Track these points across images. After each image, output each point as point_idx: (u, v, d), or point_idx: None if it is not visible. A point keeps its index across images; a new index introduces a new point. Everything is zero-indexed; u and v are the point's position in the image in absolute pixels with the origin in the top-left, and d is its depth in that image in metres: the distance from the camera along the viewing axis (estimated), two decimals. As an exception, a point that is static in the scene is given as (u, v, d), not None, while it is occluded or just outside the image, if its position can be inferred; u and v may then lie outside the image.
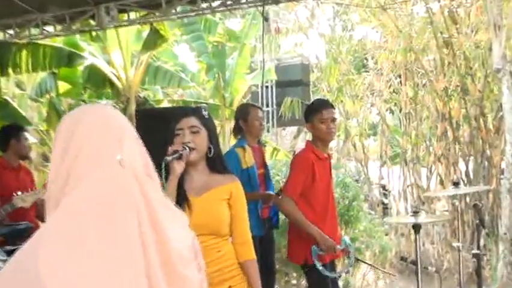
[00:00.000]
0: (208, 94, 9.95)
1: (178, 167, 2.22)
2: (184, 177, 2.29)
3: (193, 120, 2.31)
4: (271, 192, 4.17)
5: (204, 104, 8.85)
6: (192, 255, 1.05)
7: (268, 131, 9.17)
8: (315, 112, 3.50)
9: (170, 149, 2.23)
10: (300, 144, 11.63)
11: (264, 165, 4.30)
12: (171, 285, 0.96)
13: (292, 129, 12.78)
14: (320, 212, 3.47)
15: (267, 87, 8.82)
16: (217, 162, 2.35)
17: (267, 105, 8.87)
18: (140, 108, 7.99)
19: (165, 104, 9.48)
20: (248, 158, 4.08)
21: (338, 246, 3.44)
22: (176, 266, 0.98)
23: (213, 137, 2.33)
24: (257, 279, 2.34)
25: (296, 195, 3.41)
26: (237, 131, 4.26)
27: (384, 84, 8.25)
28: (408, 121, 7.87)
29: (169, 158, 2.17)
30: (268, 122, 8.90)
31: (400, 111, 8.28)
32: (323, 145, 3.54)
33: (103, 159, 0.99)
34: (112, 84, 8.40)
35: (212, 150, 2.31)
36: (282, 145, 11.15)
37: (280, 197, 3.53)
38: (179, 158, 2.21)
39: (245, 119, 4.22)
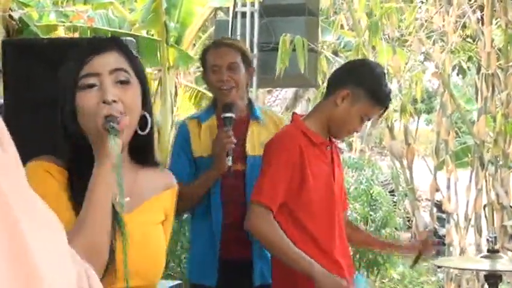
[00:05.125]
0: (139, 21, 10.07)
1: (117, 148, 2.28)
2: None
3: (118, 60, 2.33)
4: None
5: (131, 38, 9.20)
6: None
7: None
8: (370, 74, 3.74)
9: (102, 114, 2.29)
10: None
11: (245, 157, 4.24)
12: None
13: (285, 94, 12.80)
14: (322, 232, 3.66)
15: (244, 14, 8.71)
16: (149, 146, 2.47)
17: (243, 48, 8.99)
18: (10, 39, 8.02)
19: (60, 34, 9.53)
20: (204, 141, 4.16)
21: None
22: None
23: (147, 96, 2.41)
24: None
25: (275, 204, 3.58)
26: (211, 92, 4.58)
27: (454, 21, 8.21)
28: (491, 90, 7.83)
29: (115, 125, 2.22)
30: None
31: (478, 71, 8.46)
32: (333, 130, 3.78)
33: None
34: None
35: (148, 122, 2.37)
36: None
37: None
38: (116, 131, 2.26)
39: (204, 71, 4.39)
